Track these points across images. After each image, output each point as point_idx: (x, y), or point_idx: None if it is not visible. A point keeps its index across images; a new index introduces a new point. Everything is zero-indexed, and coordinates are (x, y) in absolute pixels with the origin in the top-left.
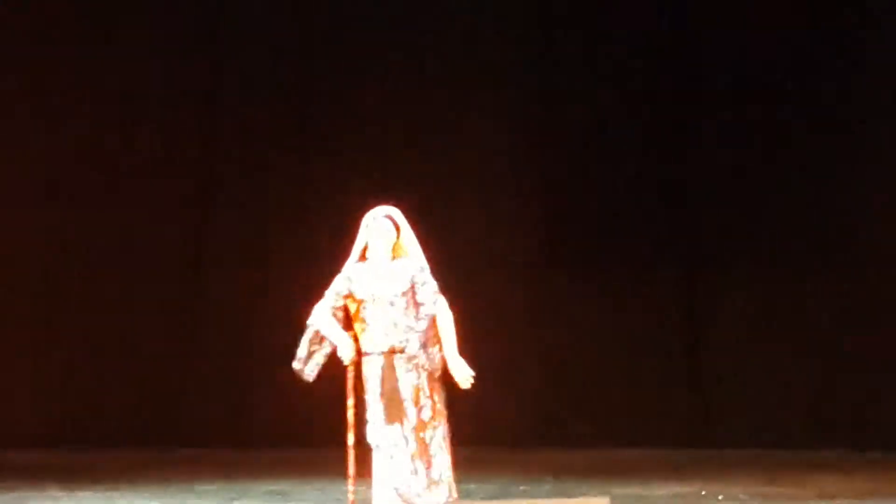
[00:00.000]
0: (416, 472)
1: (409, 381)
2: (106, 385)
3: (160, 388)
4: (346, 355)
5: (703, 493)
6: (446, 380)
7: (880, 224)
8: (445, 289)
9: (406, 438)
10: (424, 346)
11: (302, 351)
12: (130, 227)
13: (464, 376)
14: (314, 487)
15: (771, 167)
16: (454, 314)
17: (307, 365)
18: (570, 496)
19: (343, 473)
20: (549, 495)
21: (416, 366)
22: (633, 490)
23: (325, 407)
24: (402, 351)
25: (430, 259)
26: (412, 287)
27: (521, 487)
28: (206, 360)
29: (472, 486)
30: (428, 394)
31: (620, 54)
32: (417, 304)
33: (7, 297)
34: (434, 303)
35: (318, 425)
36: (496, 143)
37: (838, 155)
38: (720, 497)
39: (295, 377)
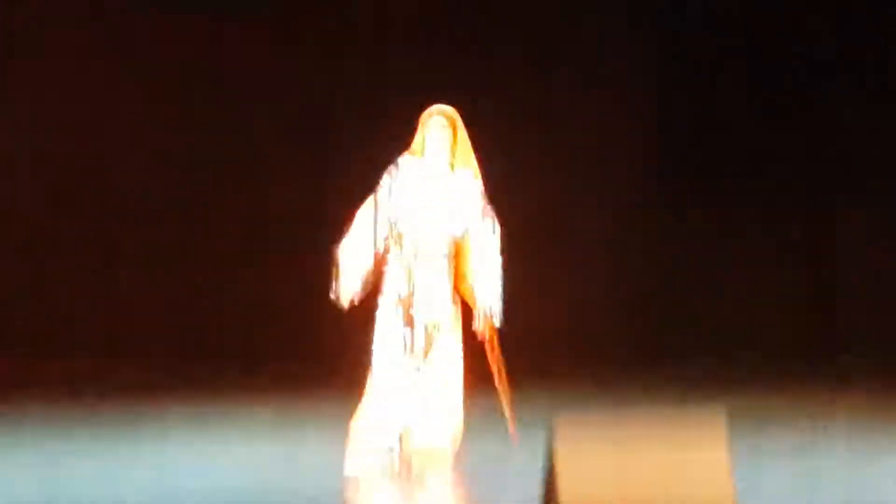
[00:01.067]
0: (423, 402)
1: (438, 307)
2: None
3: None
4: (342, 299)
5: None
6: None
7: None
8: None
9: (419, 365)
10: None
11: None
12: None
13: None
14: None
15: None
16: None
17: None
18: (687, 409)
19: None
20: (666, 408)
21: (446, 296)
22: (750, 402)
23: None
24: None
25: (540, 188)
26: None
27: (639, 403)
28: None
29: (589, 401)
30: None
31: None
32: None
33: (132, 215)
34: (495, 250)
35: None
36: (610, 77)
37: None
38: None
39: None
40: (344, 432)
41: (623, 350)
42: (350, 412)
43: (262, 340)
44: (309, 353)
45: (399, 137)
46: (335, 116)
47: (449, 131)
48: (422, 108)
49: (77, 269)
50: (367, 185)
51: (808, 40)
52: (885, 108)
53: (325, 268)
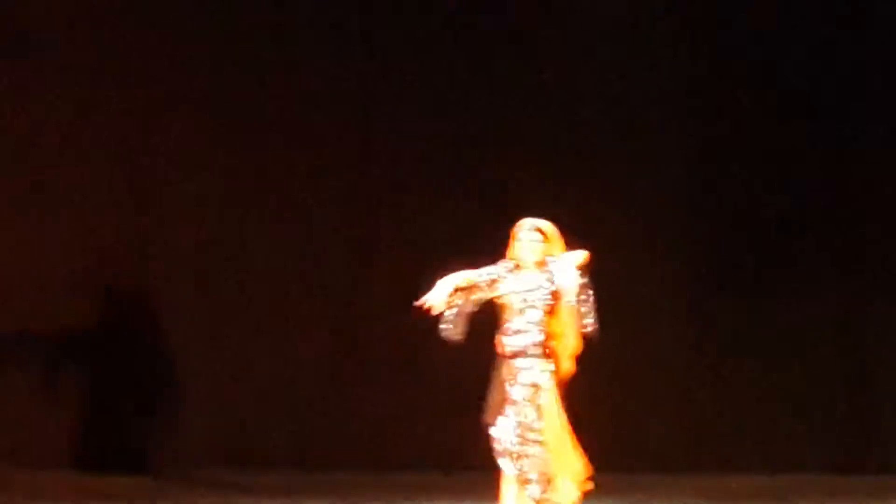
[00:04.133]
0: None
1: (529, 385)
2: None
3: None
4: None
5: None
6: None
7: None
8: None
9: (518, 443)
10: (546, 354)
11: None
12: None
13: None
14: None
15: None
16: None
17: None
18: None
19: None
20: None
21: (540, 371)
22: None
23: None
24: (527, 355)
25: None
26: (552, 290)
27: None
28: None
29: None
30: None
31: None
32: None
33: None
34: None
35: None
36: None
37: None
38: None
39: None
40: None
41: (660, 458)
42: None
43: None
44: None
45: None
46: None
47: (541, 245)
48: None
49: None
50: None
51: None
52: None
53: None
